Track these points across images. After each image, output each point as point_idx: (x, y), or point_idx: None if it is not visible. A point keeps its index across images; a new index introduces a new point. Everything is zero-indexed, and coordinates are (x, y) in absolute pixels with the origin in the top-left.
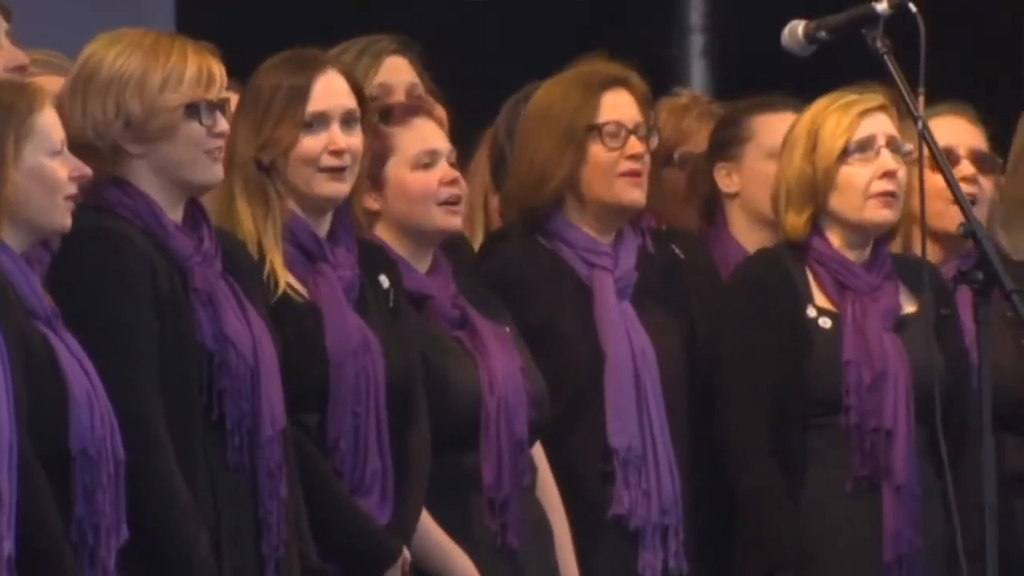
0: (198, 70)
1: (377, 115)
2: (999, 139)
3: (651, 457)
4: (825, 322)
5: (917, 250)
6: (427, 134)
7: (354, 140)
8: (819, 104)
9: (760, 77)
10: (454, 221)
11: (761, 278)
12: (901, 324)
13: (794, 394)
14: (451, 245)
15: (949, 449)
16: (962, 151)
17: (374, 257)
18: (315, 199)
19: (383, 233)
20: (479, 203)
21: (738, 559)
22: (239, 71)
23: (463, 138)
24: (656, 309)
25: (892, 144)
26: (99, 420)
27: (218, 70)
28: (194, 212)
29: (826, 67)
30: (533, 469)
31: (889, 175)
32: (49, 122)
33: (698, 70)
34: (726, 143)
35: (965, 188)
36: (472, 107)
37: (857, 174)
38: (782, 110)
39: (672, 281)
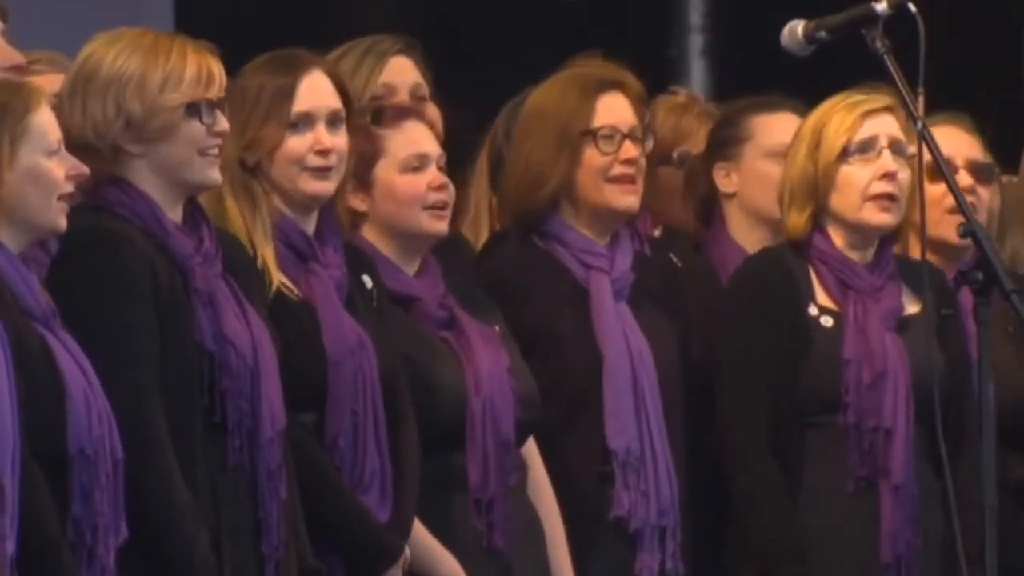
0: (198, 69)
1: (369, 116)
2: (999, 139)
3: (649, 459)
4: (826, 321)
5: (916, 257)
6: (418, 137)
7: (339, 140)
8: (827, 103)
9: (759, 77)
10: (440, 226)
11: (763, 277)
12: (903, 324)
13: (793, 393)
14: (450, 245)
15: (948, 450)
16: (960, 162)
17: (354, 258)
18: (301, 198)
19: (370, 234)
20: (484, 205)
21: (735, 559)
22: (238, 71)
23: (461, 139)
24: (652, 311)
25: (895, 146)
26: (97, 420)
27: (217, 69)
28: (194, 212)
29: (825, 67)
30: (522, 468)
31: (889, 177)
32: (45, 122)
33: (698, 70)
34: (725, 143)
35: None
36: (471, 108)
37: (857, 174)
38: (781, 110)
39: (668, 285)
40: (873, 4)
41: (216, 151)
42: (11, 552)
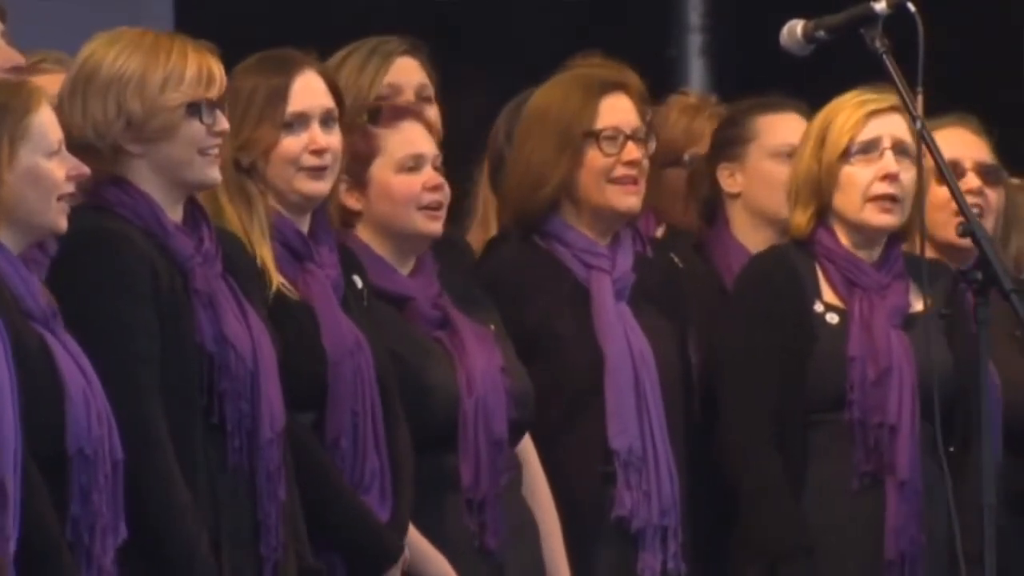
0: (198, 69)
1: (366, 115)
2: (998, 139)
3: (651, 458)
4: (832, 318)
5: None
6: (414, 137)
7: (334, 139)
8: (837, 100)
9: (759, 77)
10: (434, 226)
11: (768, 276)
12: (909, 322)
13: (798, 390)
14: (449, 245)
15: (956, 449)
16: (968, 164)
17: (344, 258)
18: (296, 198)
19: (364, 234)
20: (491, 205)
21: (739, 558)
22: None
23: (461, 139)
24: (652, 311)
25: (898, 147)
26: (96, 420)
27: (218, 69)
28: (194, 212)
29: (825, 67)
30: (516, 468)
31: (890, 178)
32: (45, 122)
33: (697, 70)
34: (729, 143)
35: (971, 200)
36: (471, 108)
37: (858, 174)
38: (785, 110)
39: (669, 285)
40: (872, 4)
41: (216, 151)
42: (12, 552)
